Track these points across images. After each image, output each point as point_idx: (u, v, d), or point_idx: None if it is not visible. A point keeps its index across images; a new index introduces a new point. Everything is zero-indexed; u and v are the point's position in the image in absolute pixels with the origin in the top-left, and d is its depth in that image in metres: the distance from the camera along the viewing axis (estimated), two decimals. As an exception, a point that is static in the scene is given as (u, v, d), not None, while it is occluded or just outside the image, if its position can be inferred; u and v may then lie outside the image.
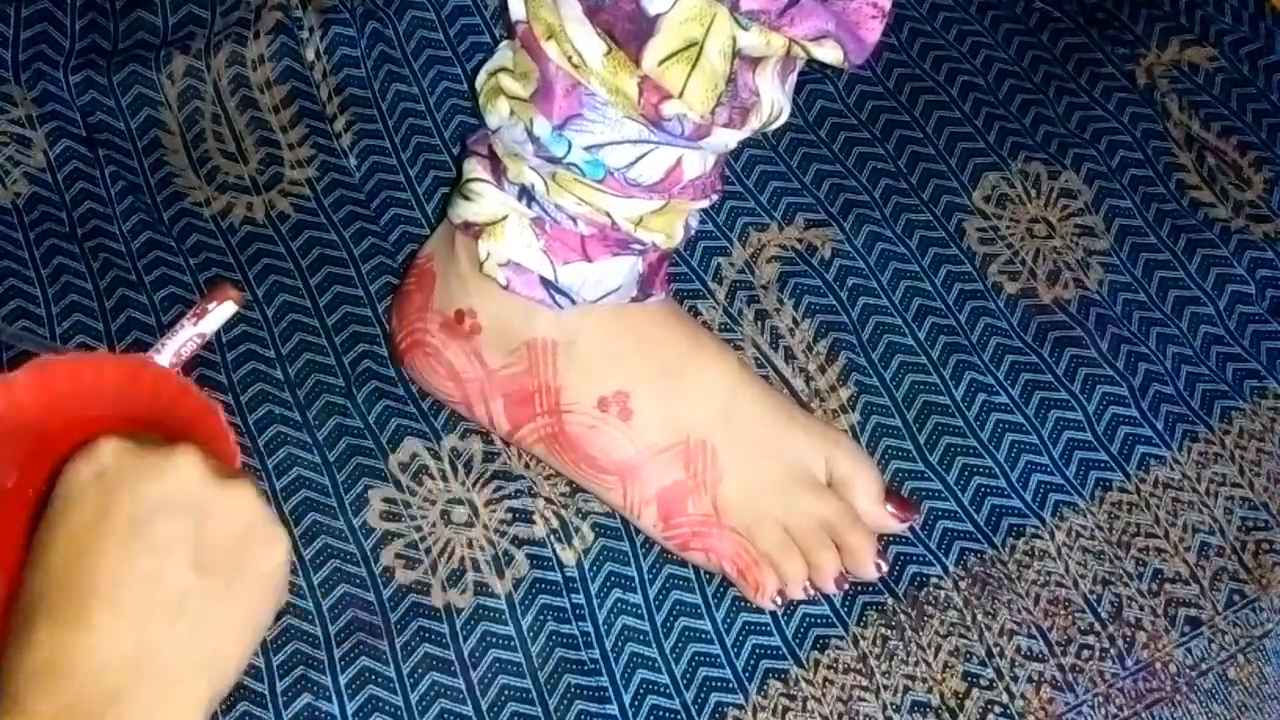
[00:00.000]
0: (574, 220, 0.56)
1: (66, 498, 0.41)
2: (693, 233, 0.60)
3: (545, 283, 0.58)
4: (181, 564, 0.40)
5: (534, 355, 0.60)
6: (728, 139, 0.53)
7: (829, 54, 0.49)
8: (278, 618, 0.54)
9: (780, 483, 0.60)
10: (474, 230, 0.58)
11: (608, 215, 0.55)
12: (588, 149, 0.52)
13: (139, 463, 0.42)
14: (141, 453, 0.42)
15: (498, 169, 0.57)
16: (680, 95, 0.50)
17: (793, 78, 0.54)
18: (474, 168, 0.59)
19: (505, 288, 0.58)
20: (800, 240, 0.70)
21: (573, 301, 0.58)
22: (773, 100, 0.52)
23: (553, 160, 0.54)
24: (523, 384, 0.60)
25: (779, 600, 0.59)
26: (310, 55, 0.74)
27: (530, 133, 0.53)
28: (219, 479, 0.42)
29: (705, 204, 0.57)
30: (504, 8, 0.54)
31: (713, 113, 0.51)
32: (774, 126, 0.54)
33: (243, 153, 0.72)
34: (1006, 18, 0.79)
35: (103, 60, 0.73)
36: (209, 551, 0.41)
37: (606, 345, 0.60)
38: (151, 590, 0.40)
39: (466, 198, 0.59)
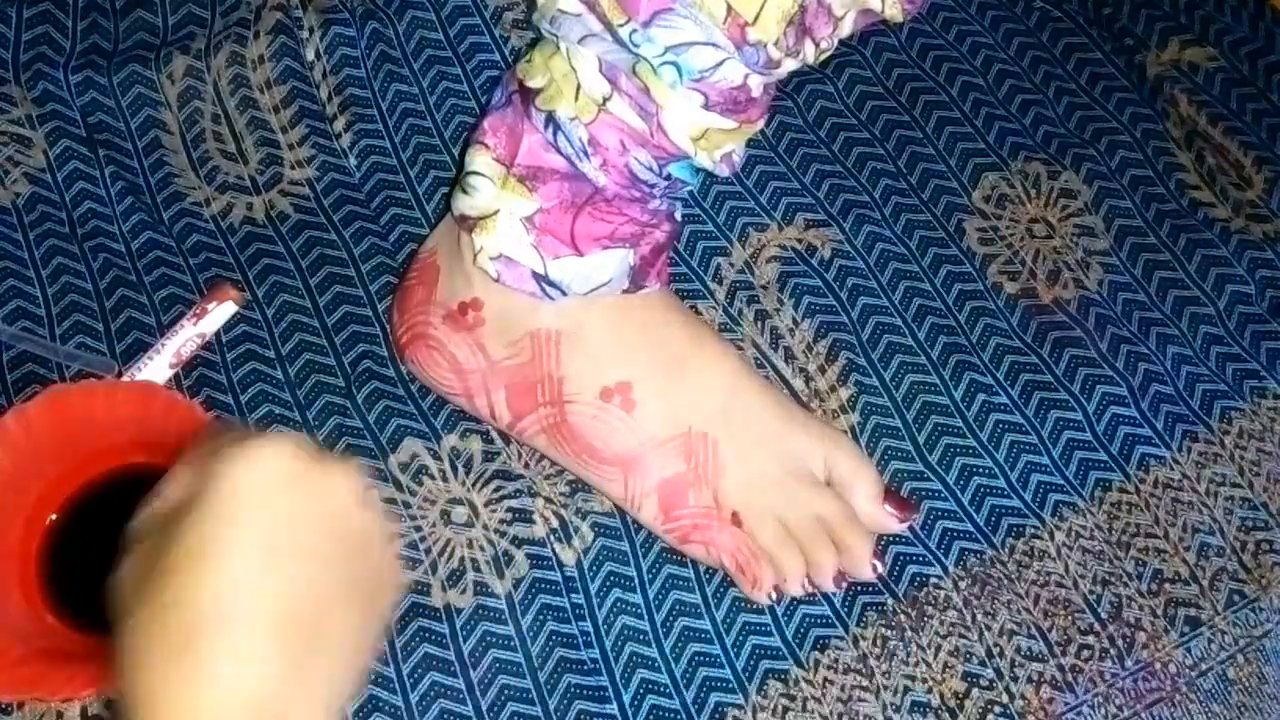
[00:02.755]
0: (596, 158, 0.56)
1: (238, 499, 0.37)
2: (695, 200, 0.60)
3: (536, 276, 0.58)
4: (341, 598, 0.38)
5: (537, 346, 0.60)
6: (790, 68, 0.53)
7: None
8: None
9: (780, 479, 0.60)
10: (469, 224, 0.59)
11: (660, 129, 0.55)
12: (671, 48, 0.52)
13: (312, 474, 0.39)
14: (312, 463, 0.39)
15: (526, 99, 0.57)
16: (754, 22, 0.50)
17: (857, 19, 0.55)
18: (474, 159, 0.59)
19: (496, 280, 0.59)
20: (800, 240, 0.70)
21: (564, 294, 0.59)
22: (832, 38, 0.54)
23: (632, 53, 0.53)
24: (525, 374, 0.60)
25: (775, 596, 0.59)
26: (310, 55, 0.74)
27: (610, 27, 0.53)
28: (372, 507, 0.41)
29: (760, 126, 0.58)
30: None
31: (776, 43, 0.52)
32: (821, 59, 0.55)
33: (243, 153, 0.72)
34: (1006, 18, 0.79)
35: (103, 60, 0.73)
36: (357, 586, 0.39)
37: (610, 336, 0.60)
38: (318, 623, 0.37)
39: (464, 191, 0.59)
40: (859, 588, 0.61)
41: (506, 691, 0.57)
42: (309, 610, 0.37)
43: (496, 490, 0.62)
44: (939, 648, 0.60)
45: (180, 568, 0.36)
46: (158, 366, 0.63)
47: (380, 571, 0.41)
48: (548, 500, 0.62)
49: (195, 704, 0.35)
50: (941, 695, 0.59)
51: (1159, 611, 0.61)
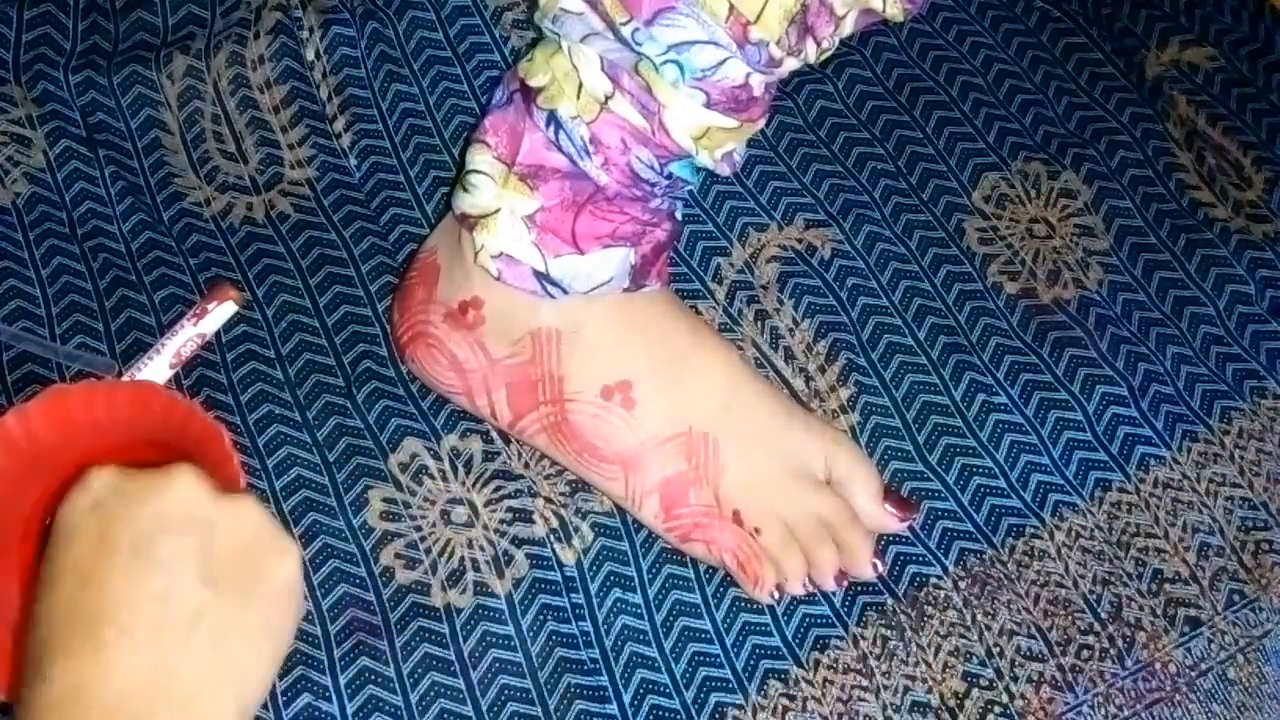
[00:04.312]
0: (598, 157, 0.56)
1: (66, 531, 0.41)
2: (692, 206, 0.60)
3: (537, 275, 0.58)
4: (190, 580, 0.40)
5: (538, 344, 0.60)
6: (792, 67, 0.53)
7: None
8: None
9: (781, 478, 0.60)
10: (469, 222, 0.59)
11: (662, 127, 0.55)
12: (674, 47, 0.52)
13: (135, 487, 0.41)
14: (136, 477, 0.42)
15: (528, 98, 0.57)
16: (756, 20, 0.51)
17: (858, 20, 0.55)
18: (475, 158, 0.59)
19: (497, 279, 0.59)
20: (800, 240, 0.70)
21: (565, 293, 0.59)
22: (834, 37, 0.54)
23: (634, 52, 0.53)
24: (526, 373, 0.60)
25: (776, 595, 0.59)
26: (310, 55, 0.74)
27: (613, 25, 0.53)
28: (219, 494, 0.42)
29: (761, 125, 0.58)
30: None
31: (778, 42, 0.52)
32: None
33: (243, 153, 0.72)
34: (1006, 18, 0.79)
35: (103, 60, 0.73)
36: (218, 566, 0.40)
37: (611, 335, 0.60)
38: (162, 610, 0.39)
39: (465, 189, 0.59)
40: (859, 588, 0.61)
41: (506, 691, 0.57)
42: (154, 605, 0.39)
43: (496, 490, 0.62)
44: (939, 648, 0.60)
45: (31, 604, 0.40)
46: (158, 366, 0.63)
47: (247, 546, 0.41)
48: (548, 500, 0.62)
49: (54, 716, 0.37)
50: (941, 695, 0.59)
51: (1159, 611, 0.61)
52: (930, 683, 0.59)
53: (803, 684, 0.59)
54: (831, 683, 0.59)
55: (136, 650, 0.38)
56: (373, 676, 0.57)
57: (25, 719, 0.37)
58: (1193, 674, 0.60)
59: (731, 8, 0.51)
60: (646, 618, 0.60)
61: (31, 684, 0.38)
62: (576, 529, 0.61)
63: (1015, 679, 0.59)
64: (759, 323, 0.68)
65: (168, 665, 0.38)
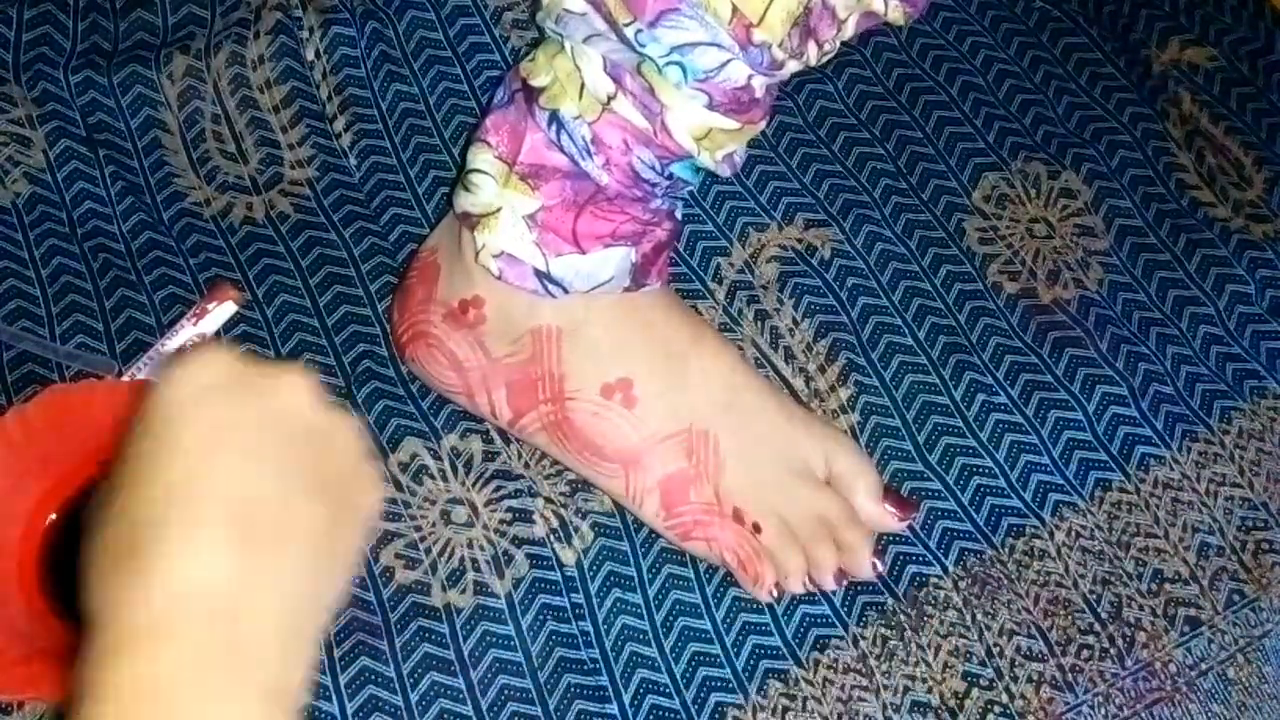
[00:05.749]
0: (600, 157, 0.56)
1: (174, 408, 0.37)
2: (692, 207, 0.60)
3: (538, 274, 0.58)
4: (297, 487, 0.38)
5: (538, 343, 0.60)
6: (793, 69, 0.54)
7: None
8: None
9: (781, 476, 0.60)
10: (470, 221, 0.59)
11: (664, 128, 0.55)
12: (676, 48, 0.52)
13: (252, 377, 0.39)
14: (251, 368, 0.40)
15: (529, 97, 0.57)
16: (759, 23, 0.51)
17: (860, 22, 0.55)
18: (476, 157, 0.59)
19: (498, 278, 0.59)
20: (800, 240, 0.70)
21: (565, 292, 0.59)
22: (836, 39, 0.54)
23: (637, 53, 0.53)
24: (526, 372, 0.60)
25: (776, 593, 0.59)
26: (310, 55, 0.74)
27: (616, 26, 0.53)
28: (330, 407, 0.40)
29: (762, 126, 0.58)
30: None
31: (780, 45, 0.52)
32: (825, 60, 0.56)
33: (243, 153, 0.72)
34: (1006, 18, 0.79)
35: (103, 60, 0.73)
36: (323, 480, 0.39)
37: (611, 333, 0.60)
38: (267, 510, 0.37)
39: (466, 188, 0.59)
40: (859, 587, 0.61)
41: (506, 691, 0.57)
42: (264, 507, 0.37)
43: (496, 490, 0.62)
44: (939, 647, 0.60)
45: (123, 483, 0.37)
46: (158, 366, 0.63)
47: (347, 468, 0.40)
48: (548, 500, 0.62)
49: (147, 603, 0.34)
50: (941, 695, 0.59)
51: (1159, 611, 0.61)
52: (930, 683, 0.59)
53: (803, 684, 0.59)
54: (831, 682, 0.59)
55: (237, 550, 0.36)
56: (373, 676, 0.57)
57: (113, 606, 0.35)
58: (1193, 674, 0.60)
59: (735, 10, 0.51)
60: (646, 618, 0.60)
61: (119, 567, 0.35)
62: (576, 529, 0.61)
63: (1015, 679, 0.59)
64: (759, 323, 0.68)
65: (266, 573, 0.36)
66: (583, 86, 0.56)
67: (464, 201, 0.60)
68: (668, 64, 0.53)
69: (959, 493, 0.64)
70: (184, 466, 0.36)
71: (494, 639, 0.58)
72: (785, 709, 0.58)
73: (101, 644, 0.34)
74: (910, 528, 0.62)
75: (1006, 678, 0.59)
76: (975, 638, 0.60)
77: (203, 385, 0.38)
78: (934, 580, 0.61)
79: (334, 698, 0.56)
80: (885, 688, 0.59)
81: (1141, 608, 0.61)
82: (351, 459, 0.40)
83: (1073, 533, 0.63)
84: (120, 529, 0.36)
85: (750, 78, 0.54)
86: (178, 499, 0.36)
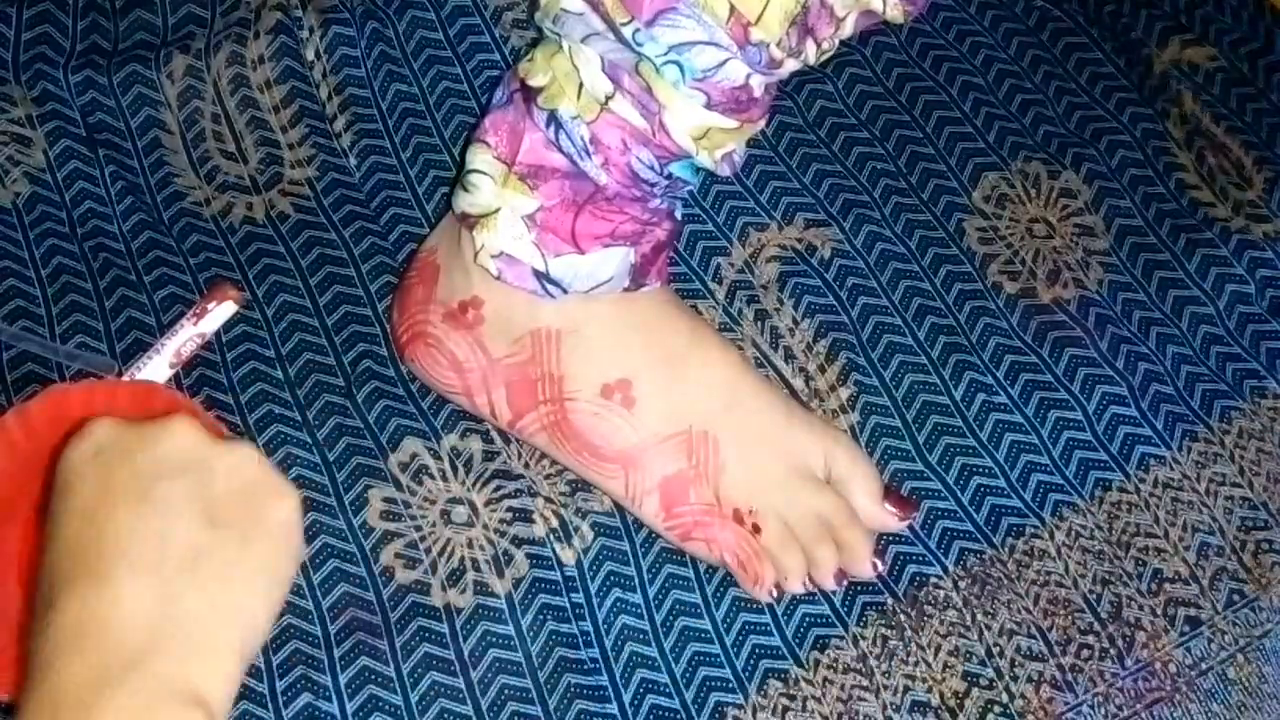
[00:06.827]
0: (598, 157, 0.56)
1: (69, 476, 0.42)
2: (691, 210, 0.60)
3: (537, 274, 0.58)
4: (191, 519, 0.40)
5: (538, 344, 0.60)
6: (792, 68, 0.54)
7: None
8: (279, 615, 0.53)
9: (781, 476, 0.60)
10: (469, 221, 0.59)
11: (662, 128, 0.55)
12: (674, 48, 0.52)
13: (135, 434, 0.43)
14: (136, 427, 0.43)
15: (528, 97, 0.57)
16: (757, 22, 0.51)
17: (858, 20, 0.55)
18: (475, 157, 0.59)
19: (497, 278, 0.59)
20: (800, 240, 0.70)
21: (564, 292, 0.59)
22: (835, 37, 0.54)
23: (635, 52, 0.53)
24: (526, 372, 0.60)
25: (776, 593, 0.59)
26: (310, 55, 0.74)
27: (613, 26, 0.53)
28: (217, 440, 0.43)
29: (761, 125, 0.58)
30: None
31: (778, 44, 0.52)
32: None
33: (243, 153, 0.72)
34: (1006, 18, 0.79)
35: (103, 60, 0.73)
36: (218, 506, 0.41)
37: (611, 333, 0.60)
38: (165, 546, 0.40)
39: (465, 189, 0.59)
40: (859, 587, 0.61)
41: (506, 691, 0.57)
42: (162, 544, 0.40)
43: (496, 490, 0.62)
44: (939, 647, 0.60)
45: (43, 544, 0.41)
46: (158, 366, 0.63)
47: (240, 488, 0.42)
48: (548, 500, 0.62)
49: (60, 628, 0.38)
50: (941, 695, 0.59)
51: (1159, 611, 0.61)
52: (930, 682, 0.59)
53: (803, 684, 0.59)
54: (831, 682, 0.59)
55: (141, 584, 0.39)
56: (373, 676, 0.57)
57: (35, 654, 0.38)
58: (1193, 674, 0.60)
59: (732, 9, 0.51)
60: (646, 617, 0.60)
61: (42, 620, 0.38)
62: (576, 529, 0.61)
63: (1015, 679, 0.59)
64: (759, 322, 0.68)
65: (172, 597, 0.39)
66: (581, 86, 0.56)
67: (463, 202, 0.60)
68: (665, 63, 0.53)
69: (959, 492, 0.64)
70: (79, 526, 0.40)
71: (494, 639, 0.58)
72: (785, 709, 0.58)
73: (28, 684, 0.38)
74: (910, 527, 0.62)
75: (1006, 677, 0.59)
76: (975, 637, 0.60)
77: (92, 451, 0.42)
78: (934, 580, 0.61)
79: (334, 698, 0.56)
80: (885, 687, 0.59)
81: (1141, 608, 0.61)
82: (241, 479, 0.42)
83: (1073, 532, 0.63)
84: (41, 587, 0.40)
85: (748, 77, 0.54)
86: (78, 555, 0.39)
